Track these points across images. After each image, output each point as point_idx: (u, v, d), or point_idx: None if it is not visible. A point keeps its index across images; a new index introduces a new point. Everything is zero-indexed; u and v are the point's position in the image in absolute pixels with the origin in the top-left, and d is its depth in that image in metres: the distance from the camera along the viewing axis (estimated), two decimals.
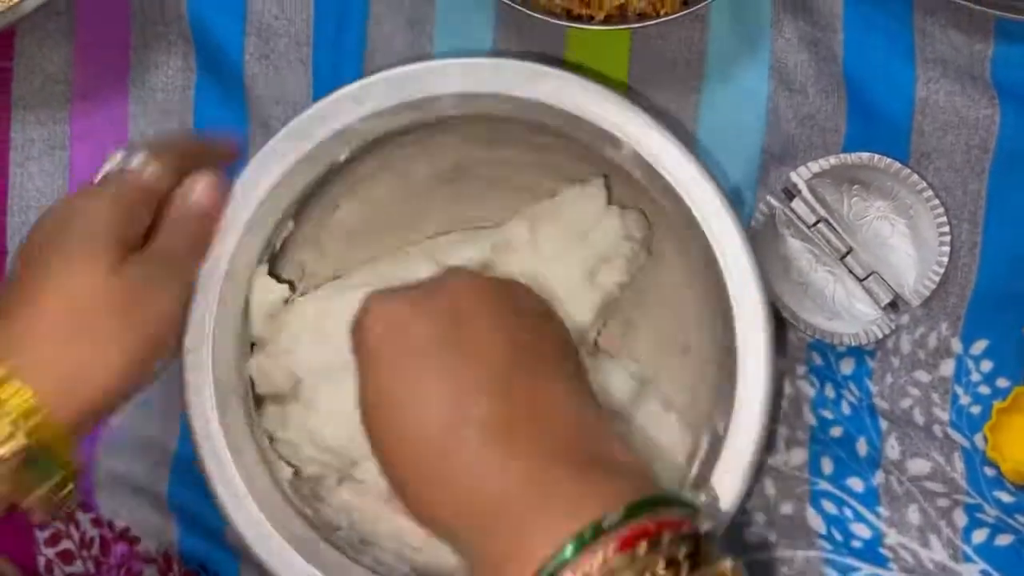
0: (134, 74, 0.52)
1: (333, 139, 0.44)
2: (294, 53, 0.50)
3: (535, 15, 0.44)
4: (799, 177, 0.47)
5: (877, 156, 0.47)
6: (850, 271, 0.48)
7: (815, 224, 0.47)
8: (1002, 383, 0.48)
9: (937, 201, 0.47)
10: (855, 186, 0.48)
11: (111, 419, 0.52)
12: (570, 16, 0.45)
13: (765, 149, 0.48)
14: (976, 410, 0.47)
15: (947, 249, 0.46)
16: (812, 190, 0.47)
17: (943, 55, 0.47)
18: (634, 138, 0.42)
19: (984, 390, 0.48)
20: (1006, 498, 0.47)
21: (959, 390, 0.48)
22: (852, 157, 0.47)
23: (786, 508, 0.48)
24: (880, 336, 0.47)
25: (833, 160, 0.47)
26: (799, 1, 0.47)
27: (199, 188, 0.42)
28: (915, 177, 0.47)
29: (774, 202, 0.48)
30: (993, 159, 0.47)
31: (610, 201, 0.46)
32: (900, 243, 0.48)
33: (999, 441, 0.46)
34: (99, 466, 0.52)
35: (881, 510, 0.47)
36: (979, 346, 0.48)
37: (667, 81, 0.48)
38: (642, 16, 0.45)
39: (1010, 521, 0.46)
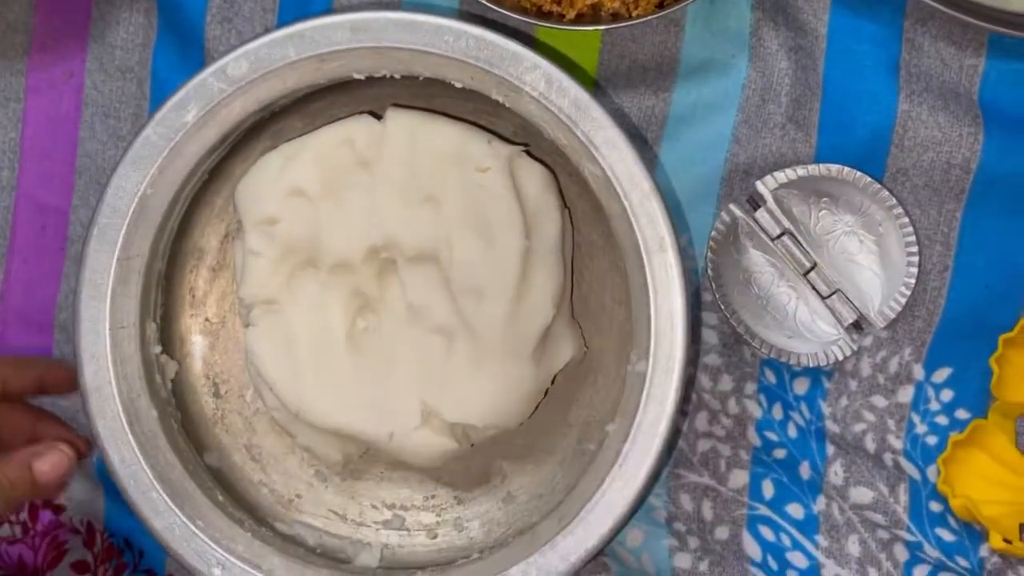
0: (94, 29, 0.51)
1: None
2: (259, 18, 0.49)
3: (505, 12, 0.42)
4: (765, 187, 0.45)
5: (847, 169, 0.45)
6: (813, 288, 0.46)
7: (779, 236, 0.45)
8: (961, 414, 0.46)
9: (907, 219, 0.45)
10: (823, 199, 0.46)
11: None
12: (540, 13, 0.43)
13: (731, 158, 0.46)
14: (932, 440, 0.46)
15: (915, 271, 0.45)
16: (778, 201, 0.45)
17: (930, 69, 0.45)
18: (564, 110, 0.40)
19: (942, 420, 0.46)
20: (947, 537, 0.45)
21: (916, 418, 0.46)
22: (822, 168, 0.45)
23: (721, 533, 0.47)
24: (840, 358, 0.45)
25: (801, 171, 0.45)
26: (782, 8, 0.46)
27: (50, 462, 0.42)
28: (885, 193, 0.45)
29: (737, 211, 0.46)
30: (973, 181, 0.45)
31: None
32: (867, 261, 0.46)
33: (951, 474, 0.44)
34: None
35: (820, 539, 0.46)
36: (941, 374, 0.46)
37: (636, 84, 0.47)
38: (615, 17, 0.43)
39: (950, 563, 0.45)
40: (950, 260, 0.46)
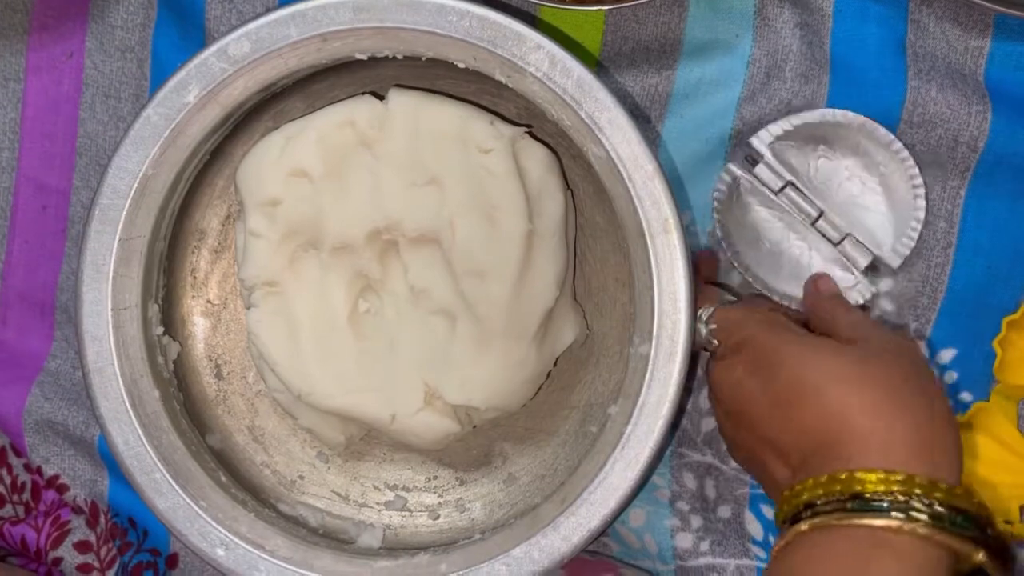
0: (94, 8, 0.50)
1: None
2: (259, 0, 0.48)
3: None
4: (761, 141, 0.44)
5: (841, 111, 0.44)
6: (823, 236, 0.45)
7: (782, 189, 0.45)
8: (965, 397, 0.46)
9: (906, 153, 0.44)
10: (820, 147, 0.45)
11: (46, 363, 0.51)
12: None
13: (735, 134, 0.46)
14: None
15: (923, 203, 0.44)
16: (776, 155, 0.45)
17: (935, 50, 0.45)
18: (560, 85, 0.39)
19: None
20: None
21: None
22: (815, 114, 0.44)
23: (724, 511, 0.47)
24: (861, 301, 0.45)
25: (795, 120, 0.44)
26: None
27: None
28: (882, 131, 0.44)
29: (736, 170, 0.45)
30: (979, 160, 0.45)
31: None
32: (873, 202, 0.45)
33: None
34: (31, 412, 0.51)
35: None
36: (947, 355, 0.46)
37: (640, 64, 0.46)
38: None
39: None
40: (953, 238, 0.45)
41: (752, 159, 0.45)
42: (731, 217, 0.45)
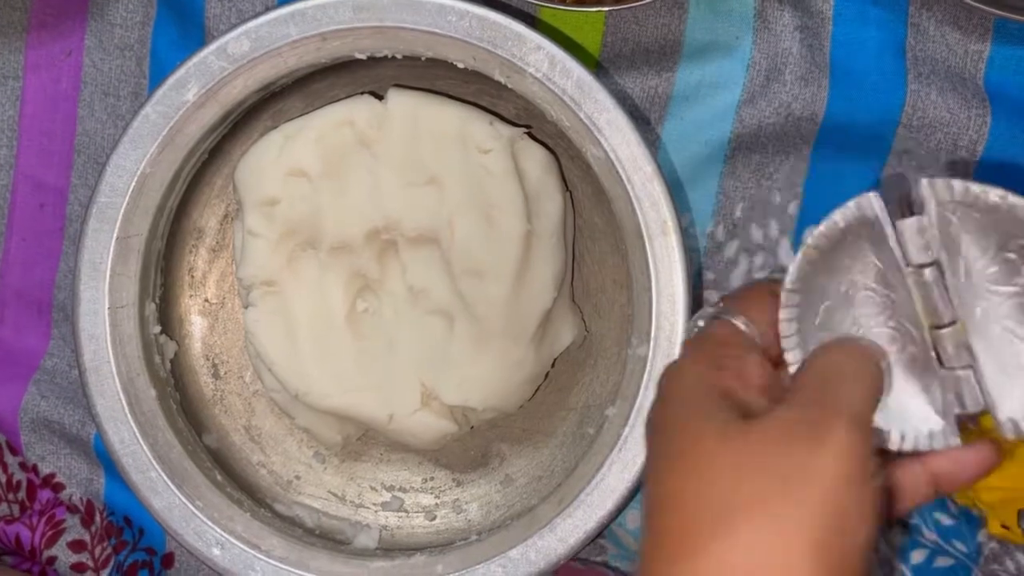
0: (93, 6, 0.50)
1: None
2: None
3: None
4: (933, 193, 0.32)
5: None
6: (934, 350, 0.33)
7: (922, 266, 0.32)
8: None
9: None
10: (1010, 245, 0.32)
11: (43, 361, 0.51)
12: None
13: (735, 137, 0.46)
14: None
15: None
16: (942, 219, 0.32)
17: (935, 53, 0.45)
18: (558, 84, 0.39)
19: None
20: (945, 521, 0.45)
21: None
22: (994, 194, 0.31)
23: None
24: (916, 447, 0.33)
25: (996, 196, 0.31)
26: None
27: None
28: None
29: (876, 207, 0.32)
30: (978, 164, 0.45)
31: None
32: None
33: None
34: (27, 410, 0.50)
35: None
36: None
37: (639, 66, 0.46)
38: None
39: (947, 547, 0.45)
40: None
41: (906, 204, 0.33)
42: (821, 259, 0.33)
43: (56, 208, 0.51)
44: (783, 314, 0.33)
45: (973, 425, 0.35)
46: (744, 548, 0.28)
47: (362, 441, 0.47)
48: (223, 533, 0.41)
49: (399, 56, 0.41)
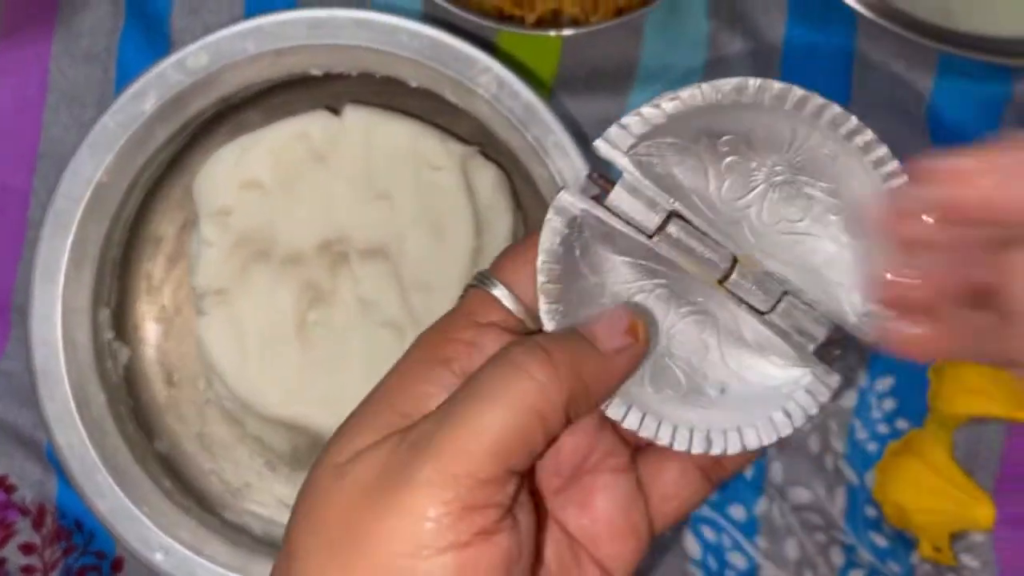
0: (63, 14, 0.51)
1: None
2: (226, 11, 0.49)
3: (466, 14, 0.43)
4: (611, 145, 0.25)
5: (753, 81, 0.26)
6: (740, 301, 0.26)
7: (662, 228, 0.26)
8: (901, 424, 0.47)
9: (873, 138, 0.26)
10: (722, 140, 0.26)
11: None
12: (501, 17, 0.44)
13: None
14: (872, 447, 0.47)
15: None
16: (645, 167, 0.25)
17: (881, 85, 0.46)
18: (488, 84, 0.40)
19: (883, 429, 0.47)
20: (881, 542, 0.46)
21: (857, 424, 0.47)
22: (707, 91, 0.25)
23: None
24: (807, 416, 0.26)
25: (672, 103, 0.25)
26: (739, 18, 0.46)
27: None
28: (834, 109, 0.26)
29: (573, 203, 0.25)
30: None
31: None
32: (822, 227, 0.27)
33: (886, 481, 0.45)
34: None
35: (759, 541, 0.47)
36: (885, 383, 0.47)
37: (595, 89, 0.47)
38: (575, 23, 0.44)
39: (883, 568, 0.46)
40: None
41: (600, 180, 0.26)
42: (570, 287, 0.26)
43: (18, 211, 0.52)
44: (539, 289, 0.25)
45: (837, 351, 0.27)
46: None
47: (312, 451, 0.48)
48: (167, 538, 0.41)
49: (354, 73, 0.42)
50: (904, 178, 0.26)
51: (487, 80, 0.40)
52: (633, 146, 0.26)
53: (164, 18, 0.49)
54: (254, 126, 0.45)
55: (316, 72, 0.42)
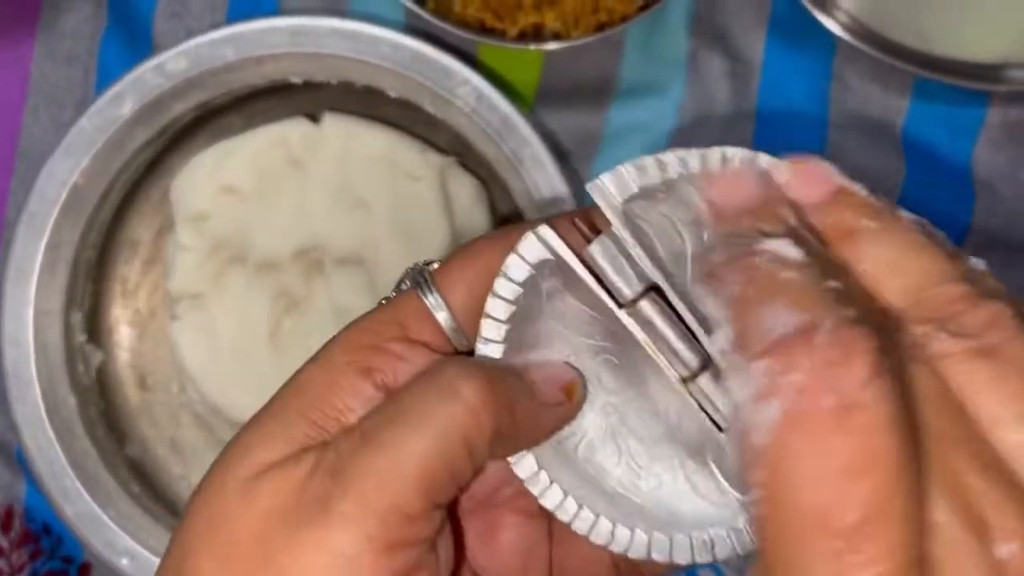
0: (45, 16, 0.51)
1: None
2: (207, 15, 0.49)
3: (448, 27, 0.43)
4: (606, 194, 0.22)
5: (745, 153, 0.23)
6: (702, 410, 0.23)
7: (638, 300, 0.22)
8: None
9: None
10: (706, 238, 0.22)
11: None
12: (483, 30, 0.44)
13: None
14: None
15: None
16: (635, 227, 0.22)
17: (856, 106, 0.46)
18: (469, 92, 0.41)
19: None
20: None
21: None
22: (692, 158, 0.22)
23: None
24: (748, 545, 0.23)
25: (663, 168, 0.22)
26: (719, 37, 0.47)
27: None
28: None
29: (546, 244, 0.22)
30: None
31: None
32: None
33: None
34: None
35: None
36: None
37: (574, 103, 0.48)
38: (556, 37, 0.44)
39: None
40: None
41: (586, 225, 0.23)
42: (521, 319, 0.23)
43: None
44: (485, 319, 0.23)
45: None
46: None
47: None
48: (134, 543, 0.41)
49: (334, 82, 0.42)
50: None
51: (466, 92, 0.40)
52: (631, 199, 0.22)
53: (146, 22, 0.49)
54: (233, 132, 0.45)
55: (296, 80, 0.42)
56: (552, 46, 0.44)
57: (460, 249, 0.24)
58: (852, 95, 0.47)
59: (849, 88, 0.47)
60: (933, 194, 0.46)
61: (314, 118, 0.45)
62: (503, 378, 0.22)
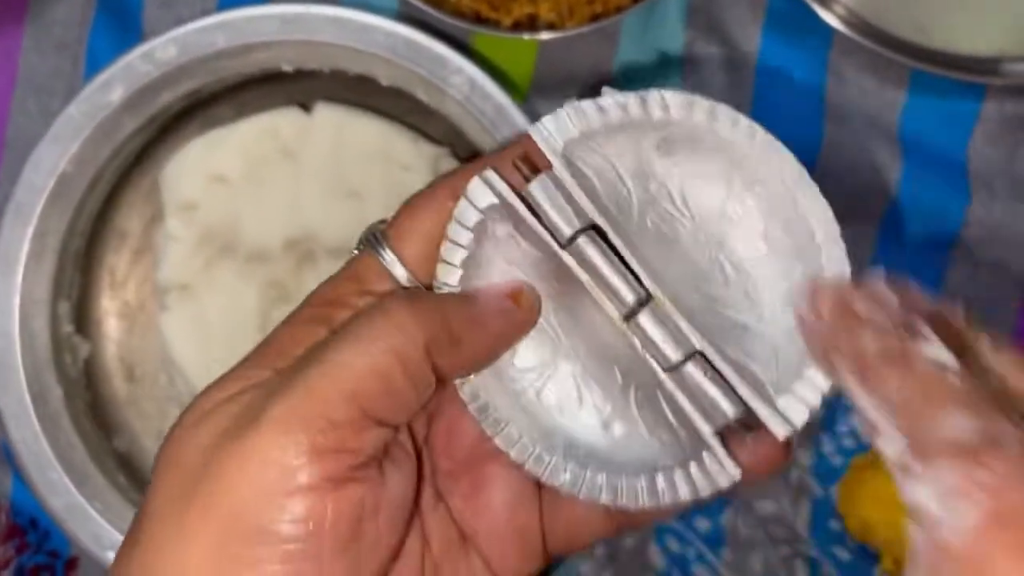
0: (34, 4, 0.50)
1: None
2: (199, 4, 0.49)
3: (441, 16, 0.43)
4: (547, 135, 0.23)
5: (683, 97, 0.23)
6: (643, 347, 0.23)
7: (575, 237, 0.23)
8: (867, 438, 0.47)
9: (790, 154, 0.24)
10: (653, 188, 0.23)
11: None
12: (477, 19, 0.44)
13: None
14: (837, 461, 0.47)
15: (841, 267, 0.23)
16: (576, 168, 0.23)
17: (853, 99, 0.46)
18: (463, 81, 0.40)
19: (849, 443, 0.47)
20: (844, 556, 0.46)
21: (824, 437, 0.47)
22: (632, 103, 0.23)
23: (630, 541, 0.47)
24: (678, 499, 0.23)
25: (604, 112, 0.23)
26: (715, 29, 0.46)
27: None
28: (759, 134, 0.24)
29: (493, 187, 0.23)
30: (888, 207, 0.46)
31: None
32: (769, 277, 0.23)
33: (850, 495, 0.45)
34: None
35: (724, 553, 0.46)
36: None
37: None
38: (551, 27, 0.44)
39: None
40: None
41: (527, 165, 0.23)
42: (474, 263, 0.24)
43: None
44: (440, 265, 0.23)
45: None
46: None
47: None
48: (120, 536, 0.40)
49: (326, 70, 0.42)
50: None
51: (459, 81, 0.39)
52: (572, 141, 0.23)
53: (136, 10, 0.49)
54: (225, 121, 0.45)
55: (288, 68, 0.42)
56: (546, 36, 0.44)
57: (406, 203, 0.26)
58: (848, 88, 0.46)
59: (845, 81, 0.46)
60: (929, 187, 0.46)
61: (306, 107, 0.44)
62: (436, 295, 0.23)
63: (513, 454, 0.23)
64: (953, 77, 0.44)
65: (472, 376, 0.24)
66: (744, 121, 0.24)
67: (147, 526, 0.22)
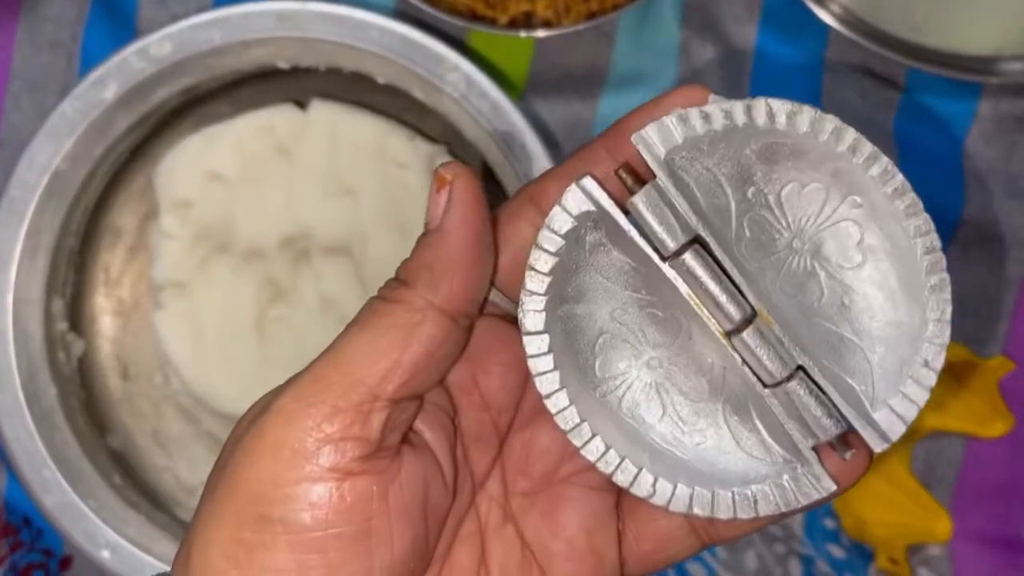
0: (28, 0, 0.50)
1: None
2: (194, 1, 0.49)
3: (438, 13, 0.43)
4: (651, 145, 0.22)
5: (789, 105, 0.23)
6: (745, 363, 0.23)
7: (681, 252, 0.22)
8: None
9: (912, 198, 0.24)
10: (752, 194, 0.23)
11: None
12: (473, 17, 0.44)
13: None
14: None
15: (943, 308, 0.22)
16: (679, 179, 0.22)
17: (848, 98, 0.46)
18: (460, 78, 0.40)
19: None
20: (838, 553, 0.46)
21: None
22: (737, 110, 0.22)
23: None
24: (775, 510, 0.23)
25: (708, 120, 0.22)
26: (710, 27, 0.46)
27: None
28: (883, 163, 0.24)
29: (590, 195, 0.22)
30: None
31: None
32: (866, 287, 0.23)
33: (845, 494, 0.45)
34: None
35: (719, 551, 0.46)
36: None
37: (565, 92, 0.47)
38: (547, 25, 0.44)
39: None
40: None
41: (631, 176, 0.22)
42: (564, 273, 0.23)
43: None
44: (527, 275, 0.23)
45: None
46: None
47: None
48: (115, 535, 0.40)
49: (322, 68, 0.41)
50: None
51: (455, 78, 0.39)
52: (674, 149, 0.22)
53: (131, 6, 0.49)
54: (220, 118, 0.45)
55: (283, 65, 0.41)
56: (543, 34, 0.44)
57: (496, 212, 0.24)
58: (844, 87, 0.46)
59: (841, 80, 0.46)
60: (925, 186, 0.46)
61: (302, 104, 0.44)
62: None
63: (601, 465, 0.23)
64: (949, 76, 0.44)
65: (558, 384, 0.23)
66: (850, 134, 0.24)
67: (196, 509, 0.23)
